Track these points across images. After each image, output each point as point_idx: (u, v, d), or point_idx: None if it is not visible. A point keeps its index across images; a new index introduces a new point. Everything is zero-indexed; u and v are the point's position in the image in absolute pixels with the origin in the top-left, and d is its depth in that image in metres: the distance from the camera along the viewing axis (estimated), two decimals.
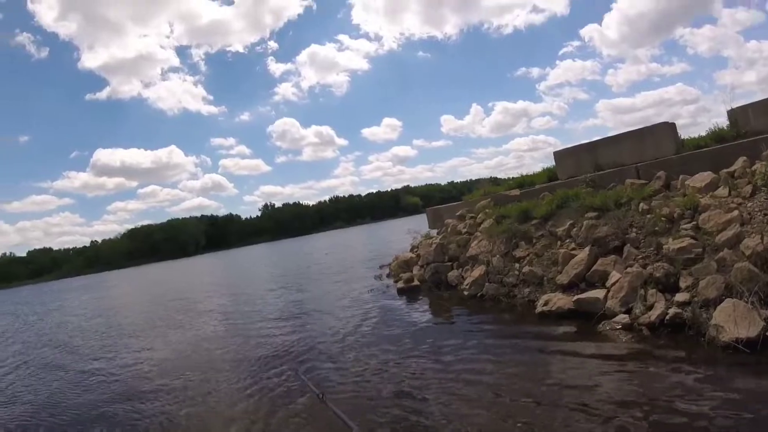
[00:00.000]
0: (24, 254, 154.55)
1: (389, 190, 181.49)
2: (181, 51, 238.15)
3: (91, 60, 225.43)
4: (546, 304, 8.81)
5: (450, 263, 14.40)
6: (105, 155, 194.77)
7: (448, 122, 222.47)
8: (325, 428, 5.78)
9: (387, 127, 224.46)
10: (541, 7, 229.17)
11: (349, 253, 36.00)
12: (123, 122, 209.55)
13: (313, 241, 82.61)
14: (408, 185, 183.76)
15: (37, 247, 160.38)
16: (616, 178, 11.58)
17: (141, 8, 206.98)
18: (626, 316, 7.32)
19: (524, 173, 18.86)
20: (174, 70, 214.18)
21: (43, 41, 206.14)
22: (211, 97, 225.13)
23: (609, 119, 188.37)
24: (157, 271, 73.43)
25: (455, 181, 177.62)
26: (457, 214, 16.52)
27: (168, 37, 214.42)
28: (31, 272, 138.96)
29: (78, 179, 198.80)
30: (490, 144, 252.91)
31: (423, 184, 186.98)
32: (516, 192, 15.25)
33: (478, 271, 12.18)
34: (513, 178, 19.33)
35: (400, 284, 15.24)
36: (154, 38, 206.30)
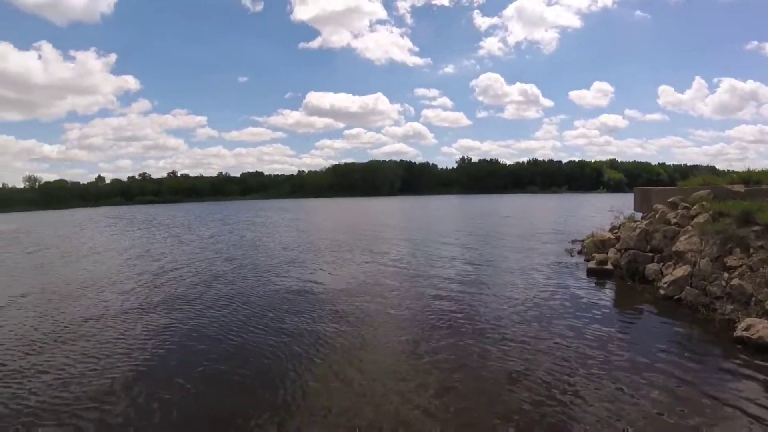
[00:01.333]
0: (237, 175, 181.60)
1: (592, 161, 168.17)
2: (388, 4, 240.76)
3: (303, 12, 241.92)
4: (747, 329, 8.18)
5: (651, 254, 13.73)
6: (316, 98, 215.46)
7: (665, 94, 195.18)
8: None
9: (597, 92, 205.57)
10: None
11: (542, 221, 35.70)
12: (333, 69, 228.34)
13: (504, 200, 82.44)
14: (614, 159, 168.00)
15: (250, 170, 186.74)
16: None
17: None
18: None
19: (749, 168, 16.84)
20: (381, 22, 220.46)
21: None
22: (416, 49, 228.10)
23: None
24: (352, 205, 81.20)
25: (667, 164, 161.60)
26: (669, 200, 15.50)
27: None
28: (242, 190, 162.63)
29: (291, 117, 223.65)
30: (711, 127, 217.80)
31: (630, 160, 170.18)
32: (740, 188, 13.74)
33: (681, 270, 11.56)
34: (736, 171, 17.41)
35: (591, 264, 15.01)
36: None
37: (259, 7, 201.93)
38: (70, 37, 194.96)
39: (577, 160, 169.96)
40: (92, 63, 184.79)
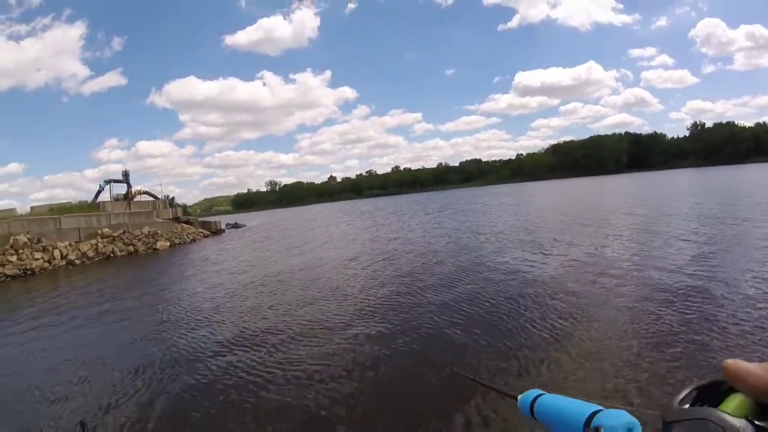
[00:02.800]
0: (456, 164, 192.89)
1: None
2: None
3: None
4: None
5: None
6: (525, 77, 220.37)
7: None
8: None
9: None
10: None
11: None
12: (537, 44, 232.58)
13: (748, 172, 69.82)
14: None
15: (468, 158, 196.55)
16: None
17: None
18: None
19: None
20: None
21: None
22: (620, 6, 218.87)
23: None
24: (575, 186, 77.35)
25: None
26: None
27: None
28: (462, 178, 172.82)
29: (502, 101, 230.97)
30: None
31: None
32: None
33: None
34: None
35: None
36: None
37: (450, 0, 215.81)
38: (286, 63, 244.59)
39: None
40: (311, 81, 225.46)
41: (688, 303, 8.42)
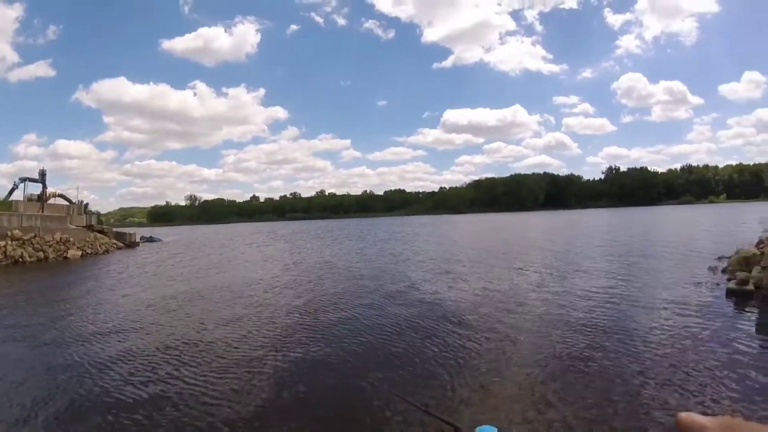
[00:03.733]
0: (381, 193, 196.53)
1: (751, 164, 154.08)
2: (515, 15, 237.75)
3: (432, 34, 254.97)
4: None
5: None
6: (453, 115, 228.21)
7: None
8: None
9: (749, 84, 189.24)
10: None
11: (693, 236, 32.71)
12: (469, 85, 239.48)
13: (657, 214, 78.05)
14: None
15: (393, 188, 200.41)
16: None
17: None
18: None
19: None
20: (511, 33, 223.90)
21: (387, 25, 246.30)
22: (550, 56, 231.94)
23: None
24: (495, 220, 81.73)
25: None
26: None
27: (499, 3, 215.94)
28: (386, 207, 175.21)
29: (430, 135, 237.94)
30: None
31: None
32: None
33: None
34: None
35: (732, 285, 13.35)
36: (486, 7, 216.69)
37: (391, 34, 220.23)
38: (221, 76, 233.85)
39: (734, 163, 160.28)
40: (243, 97, 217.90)
41: (632, 341, 9.11)
